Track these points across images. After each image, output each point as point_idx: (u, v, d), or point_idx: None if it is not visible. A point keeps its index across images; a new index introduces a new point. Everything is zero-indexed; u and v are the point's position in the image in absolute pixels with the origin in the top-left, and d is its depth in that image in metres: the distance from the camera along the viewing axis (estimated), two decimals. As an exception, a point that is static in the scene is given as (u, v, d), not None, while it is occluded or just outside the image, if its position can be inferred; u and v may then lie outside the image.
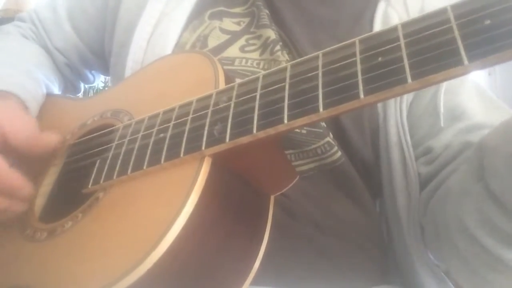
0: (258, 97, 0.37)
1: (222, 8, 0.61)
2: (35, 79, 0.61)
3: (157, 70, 0.52)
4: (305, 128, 0.53)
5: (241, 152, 0.38)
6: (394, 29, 0.33)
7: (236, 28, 0.60)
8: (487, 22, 0.29)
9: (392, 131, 0.55)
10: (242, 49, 0.58)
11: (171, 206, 0.35)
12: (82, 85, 0.80)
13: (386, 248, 0.59)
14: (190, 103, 0.42)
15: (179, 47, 0.58)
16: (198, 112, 0.41)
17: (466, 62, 0.28)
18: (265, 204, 0.43)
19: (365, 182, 0.57)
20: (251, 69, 0.56)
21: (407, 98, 0.56)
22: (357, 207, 0.56)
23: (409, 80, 0.30)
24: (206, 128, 0.38)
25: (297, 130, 0.53)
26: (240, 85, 0.40)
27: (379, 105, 0.57)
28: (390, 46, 0.32)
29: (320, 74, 0.35)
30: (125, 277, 0.33)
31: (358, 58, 0.33)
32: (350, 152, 0.55)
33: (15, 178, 0.45)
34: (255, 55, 0.57)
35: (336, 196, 0.55)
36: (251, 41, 0.58)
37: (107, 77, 0.87)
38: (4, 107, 0.50)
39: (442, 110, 0.54)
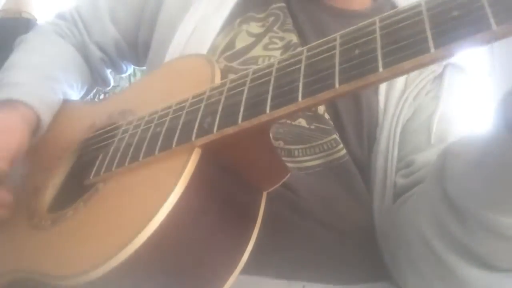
0: (246, 90, 0.39)
1: (251, 13, 0.65)
2: (53, 86, 0.65)
3: (164, 72, 0.55)
4: (313, 124, 0.56)
5: (230, 145, 0.40)
6: (372, 22, 0.35)
7: (260, 30, 0.63)
8: (455, 13, 0.30)
9: (383, 140, 0.57)
10: (265, 47, 0.61)
11: (159, 193, 0.37)
12: (111, 80, 0.83)
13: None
14: (186, 100, 0.44)
15: (212, 49, 0.62)
16: (192, 107, 0.43)
17: (432, 49, 0.29)
18: (256, 199, 0.44)
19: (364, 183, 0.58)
20: None
21: (405, 113, 0.58)
22: (357, 205, 0.57)
23: (380, 69, 0.31)
24: (198, 120, 0.40)
25: (305, 125, 0.55)
26: (232, 80, 0.42)
27: (380, 115, 0.59)
28: (366, 38, 0.33)
29: (302, 67, 0.36)
30: (111, 259, 0.34)
31: (337, 51, 0.35)
32: (349, 153, 0.57)
33: None
34: (277, 53, 0.60)
35: (339, 193, 0.57)
36: (274, 40, 0.62)
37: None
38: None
39: (434, 129, 0.56)
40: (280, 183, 0.45)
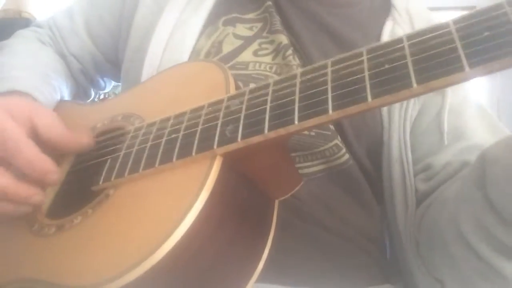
0: (269, 100, 0.39)
1: (235, 14, 0.64)
2: (51, 83, 0.63)
3: (169, 77, 0.54)
4: (314, 130, 0.56)
5: (250, 154, 0.40)
6: (399, 39, 0.36)
7: (249, 33, 0.62)
8: (486, 33, 0.31)
9: (394, 147, 0.58)
10: (255, 53, 0.60)
11: (181, 202, 0.37)
12: (92, 92, 0.82)
13: (387, 249, 0.61)
14: (201, 107, 0.44)
15: (194, 53, 0.60)
16: (210, 114, 0.43)
17: (467, 68, 0.30)
18: (270, 208, 0.45)
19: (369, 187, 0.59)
20: (265, 72, 0.58)
21: (411, 115, 0.59)
22: (362, 210, 0.58)
23: (414, 84, 0.32)
24: (218, 128, 0.40)
25: (306, 132, 0.55)
26: (252, 90, 0.42)
27: (385, 120, 0.59)
28: (395, 54, 0.35)
29: (329, 80, 0.37)
30: (132, 270, 0.34)
31: (366, 65, 0.36)
32: (353, 158, 0.58)
33: (48, 162, 0.45)
34: (268, 59, 0.60)
35: (342, 198, 0.57)
36: (263, 45, 0.61)
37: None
38: (27, 102, 0.50)
39: (446, 129, 0.57)
40: (293, 191, 0.46)
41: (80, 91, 0.79)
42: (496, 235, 0.41)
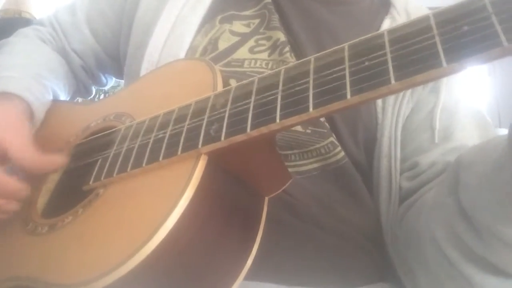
0: (253, 98, 0.39)
1: (232, 12, 0.64)
2: (43, 83, 0.64)
3: (160, 76, 0.55)
4: (309, 128, 0.56)
5: (236, 152, 0.40)
6: (380, 35, 0.35)
7: (246, 30, 0.62)
8: (465, 28, 0.31)
9: (385, 142, 0.57)
10: (251, 50, 0.60)
11: (166, 200, 0.37)
12: (94, 88, 0.82)
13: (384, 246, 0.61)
14: (189, 105, 0.44)
15: (192, 50, 0.60)
16: (196, 113, 0.43)
17: (444, 64, 0.30)
18: (259, 205, 0.45)
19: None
20: (260, 70, 0.58)
21: (404, 112, 0.58)
22: (358, 207, 0.58)
23: (393, 81, 0.32)
24: (203, 127, 0.40)
25: (301, 129, 0.55)
26: (237, 88, 0.42)
27: (380, 117, 0.59)
28: (376, 50, 0.34)
29: (311, 77, 0.37)
30: (119, 267, 0.34)
31: (346, 62, 0.35)
32: (348, 155, 0.57)
33: (11, 183, 0.48)
34: (264, 55, 0.60)
35: (338, 195, 0.57)
36: (260, 42, 0.61)
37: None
38: (3, 115, 0.53)
39: (437, 127, 0.56)
40: (283, 188, 0.46)
41: (81, 88, 0.79)
42: (466, 242, 0.41)
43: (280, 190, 0.46)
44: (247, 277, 0.41)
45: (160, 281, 0.37)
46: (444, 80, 0.58)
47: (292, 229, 0.54)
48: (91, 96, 0.85)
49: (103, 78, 0.81)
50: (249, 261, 0.42)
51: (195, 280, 0.39)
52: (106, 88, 0.88)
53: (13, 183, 0.48)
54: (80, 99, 0.87)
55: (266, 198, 0.46)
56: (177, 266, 0.38)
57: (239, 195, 0.43)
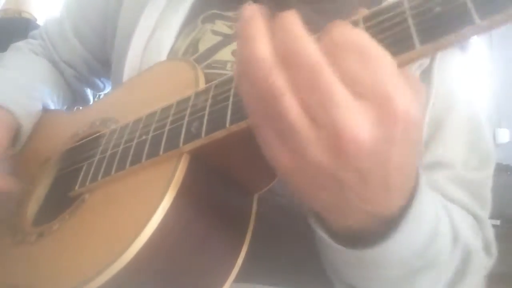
0: (232, 94, 0.39)
1: (215, 11, 0.62)
2: (33, 95, 0.64)
3: (142, 80, 0.54)
4: None
5: (219, 149, 0.40)
6: (355, 22, 0.35)
7: (229, 31, 0.61)
8: (437, 9, 0.30)
9: None
10: (234, 52, 0.59)
11: (148, 203, 0.37)
12: (91, 96, 0.83)
13: None
14: (171, 106, 0.44)
15: (172, 53, 0.59)
16: (177, 113, 0.42)
17: (418, 45, 0.29)
18: (247, 202, 0.44)
19: None
20: None
21: None
22: None
23: None
24: (184, 126, 0.40)
25: None
26: (217, 85, 0.42)
27: None
28: None
29: None
30: (100, 274, 0.34)
31: None
32: None
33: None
34: None
35: None
36: None
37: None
38: None
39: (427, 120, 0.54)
40: (271, 184, 0.45)
41: (78, 98, 0.80)
42: None
43: (268, 186, 0.45)
44: (239, 279, 0.41)
45: (146, 282, 0.37)
46: (434, 84, 0.54)
47: (285, 230, 0.53)
48: (90, 103, 0.85)
49: (99, 83, 0.81)
50: (239, 261, 0.41)
51: (184, 279, 0.39)
52: (105, 92, 0.88)
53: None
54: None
55: (256, 195, 0.46)
56: (163, 267, 0.38)
57: (224, 193, 0.43)
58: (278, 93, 0.27)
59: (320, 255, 0.44)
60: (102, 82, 0.82)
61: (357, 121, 0.25)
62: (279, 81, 0.27)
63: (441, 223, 0.39)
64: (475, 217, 0.51)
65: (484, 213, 0.52)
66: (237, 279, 0.41)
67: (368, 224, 0.32)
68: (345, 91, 0.26)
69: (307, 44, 0.27)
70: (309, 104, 0.27)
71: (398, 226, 0.33)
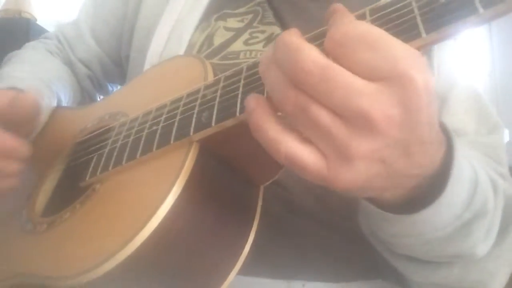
0: (241, 85, 0.40)
1: (226, 10, 0.66)
2: (51, 88, 0.66)
3: (152, 75, 0.56)
4: None
5: (228, 138, 0.41)
6: (362, 14, 0.36)
7: (240, 24, 0.64)
8: (442, 0, 0.31)
9: None
10: (246, 42, 0.61)
11: (159, 189, 0.37)
12: (99, 98, 0.84)
13: None
14: (181, 98, 0.45)
15: (190, 47, 0.62)
16: (187, 104, 0.43)
17: (424, 34, 0.31)
18: (253, 193, 0.45)
19: None
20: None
21: None
22: (355, 202, 0.57)
23: None
24: (195, 116, 0.41)
25: None
26: (226, 77, 0.43)
27: None
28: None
29: None
30: (110, 259, 0.35)
31: None
32: None
33: (8, 139, 0.47)
34: (259, 46, 0.61)
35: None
36: (254, 35, 0.62)
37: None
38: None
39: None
40: (276, 176, 0.46)
41: (86, 98, 0.81)
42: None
43: (274, 178, 0.46)
44: (243, 272, 0.41)
45: (154, 271, 0.38)
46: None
47: (288, 224, 0.53)
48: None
49: (109, 88, 0.83)
50: (247, 248, 0.42)
51: (191, 267, 0.40)
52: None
53: (10, 140, 0.47)
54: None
55: (262, 187, 0.46)
56: (171, 256, 0.38)
57: (233, 182, 0.44)
58: (304, 107, 0.29)
59: (362, 243, 0.48)
60: (112, 88, 0.84)
61: (381, 100, 0.27)
62: (300, 96, 0.29)
63: (478, 172, 0.41)
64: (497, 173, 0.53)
65: (505, 170, 0.53)
66: (244, 273, 0.42)
67: (420, 187, 0.34)
68: (361, 80, 0.28)
69: (309, 54, 0.29)
70: (335, 105, 0.28)
71: (446, 178, 0.35)
